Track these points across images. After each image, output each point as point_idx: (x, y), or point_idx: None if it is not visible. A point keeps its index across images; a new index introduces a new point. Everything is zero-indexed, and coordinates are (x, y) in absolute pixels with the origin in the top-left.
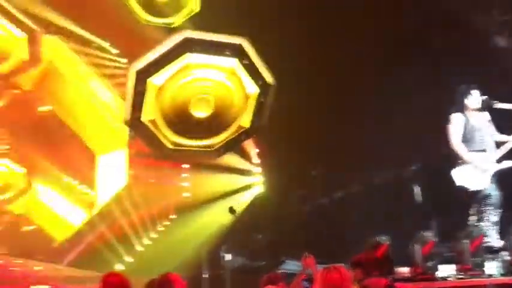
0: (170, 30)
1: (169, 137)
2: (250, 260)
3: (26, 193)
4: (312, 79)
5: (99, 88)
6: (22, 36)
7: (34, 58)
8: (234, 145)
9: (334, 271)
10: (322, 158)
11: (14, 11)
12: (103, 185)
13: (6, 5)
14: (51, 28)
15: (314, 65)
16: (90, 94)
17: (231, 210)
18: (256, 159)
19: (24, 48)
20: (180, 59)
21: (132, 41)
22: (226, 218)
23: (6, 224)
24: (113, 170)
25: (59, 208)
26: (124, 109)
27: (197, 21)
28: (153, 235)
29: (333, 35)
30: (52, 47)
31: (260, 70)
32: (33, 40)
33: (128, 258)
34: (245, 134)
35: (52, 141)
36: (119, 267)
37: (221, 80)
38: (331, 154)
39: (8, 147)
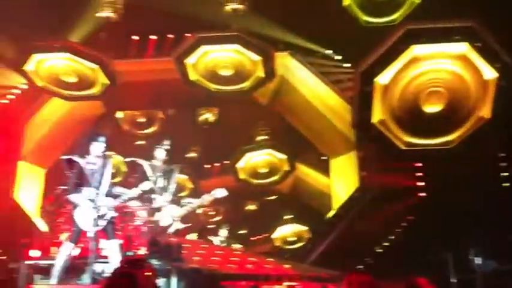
0: (389, 27)
1: (402, 137)
2: (505, 264)
3: (291, 174)
4: None
5: (327, 95)
6: (257, 58)
7: (269, 75)
8: (476, 140)
9: None
10: None
11: (248, 38)
12: (337, 187)
13: (241, 34)
14: (280, 45)
15: None
16: (319, 102)
17: None
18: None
19: (260, 67)
20: (406, 53)
21: (353, 45)
22: (470, 220)
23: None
24: (345, 173)
25: (322, 185)
26: (352, 112)
27: (417, 12)
28: (391, 236)
29: None
30: (283, 62)
31: (497, 51)
32: (267, 59)
33: (368, 259)
34: (488, 125)
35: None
36: (359, 267)
37: (452, 69)
38: None
39: (267, 137)
